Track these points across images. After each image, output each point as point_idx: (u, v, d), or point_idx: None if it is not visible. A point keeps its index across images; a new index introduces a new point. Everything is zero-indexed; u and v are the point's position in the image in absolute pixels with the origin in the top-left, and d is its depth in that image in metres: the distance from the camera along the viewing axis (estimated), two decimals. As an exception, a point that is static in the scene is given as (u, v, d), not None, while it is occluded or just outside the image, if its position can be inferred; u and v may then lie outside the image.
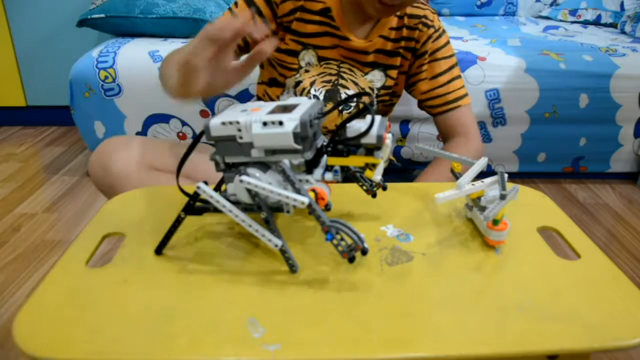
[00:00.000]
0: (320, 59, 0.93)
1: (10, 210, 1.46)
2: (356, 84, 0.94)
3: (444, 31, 0.96)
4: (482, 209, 0.57)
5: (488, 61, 1.54)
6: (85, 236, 0.57)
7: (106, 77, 1.52)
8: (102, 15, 1.69)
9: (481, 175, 0.58)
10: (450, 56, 0.96)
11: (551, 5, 2.41)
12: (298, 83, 0.95)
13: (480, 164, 0.61)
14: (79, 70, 1.53)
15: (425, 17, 0.93)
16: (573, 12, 2.28)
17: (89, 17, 1.71)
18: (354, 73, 0.94)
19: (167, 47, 1.59)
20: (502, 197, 0.55)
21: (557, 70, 1.54)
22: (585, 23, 2.24)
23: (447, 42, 0.96)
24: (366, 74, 0.95)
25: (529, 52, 1.60)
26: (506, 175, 0.58)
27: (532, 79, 1.53)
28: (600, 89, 1.54)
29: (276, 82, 0.98)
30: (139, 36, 1.72)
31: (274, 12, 0.90)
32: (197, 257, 0.54)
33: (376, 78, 0.95)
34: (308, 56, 0.92)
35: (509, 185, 0.58)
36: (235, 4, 0.91)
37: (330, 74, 0.94)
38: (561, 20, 2.30)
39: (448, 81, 0.96)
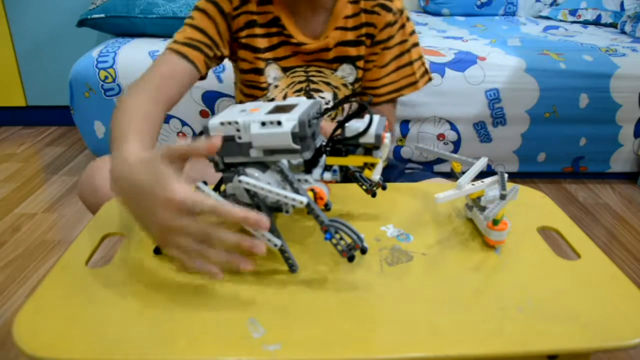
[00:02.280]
0: (285, 69, 0.89)
1: (10, 210, 1.46)
2: (328, 83, 0.91)
3: (402, 12, 0.88)
4: (482, 209, 0.57)
5: (488, 61, 1.54)
6: (85, 236, 0.57)
7: (106, 77, 1.52)
8: (102, 15, 1.69)
9: (481, 175, 0.58)
10: (402, 42, 0.88)
11: (551, 5, 2.41)
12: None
13: (480, 164, 0.61)
14: (79, 70, 1.53)
15: None
16: (573, 12, 2.27)
17: (89, 17, 1.71)
18: (323, 73, 0.90)
19: (167, 47, 1.59)
20: (502, 197, 0.55)
21: (557, 70, 1.54)
22: (585, 23, 2.24)
23: (403, 25, 0.88)
24: (335, 70, 0.90)
25: (529, 52, 1.60)
26: (506, 175, 0.58)
27: (532, 79, 1.53)
28: (600, 89, 1.54)
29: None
30: (139, 36, 1.72)
31: (229, 25, 0.85)
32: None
33: (346, 72, 0.90)
34: (272, 71, 0.89)
35: (509, 185, 0.58)
36: (191, 17, 0.84)
37: (299, 82, 0.90)
38: (561, 20, 2.29)
39: (394, 70, 0.89)
